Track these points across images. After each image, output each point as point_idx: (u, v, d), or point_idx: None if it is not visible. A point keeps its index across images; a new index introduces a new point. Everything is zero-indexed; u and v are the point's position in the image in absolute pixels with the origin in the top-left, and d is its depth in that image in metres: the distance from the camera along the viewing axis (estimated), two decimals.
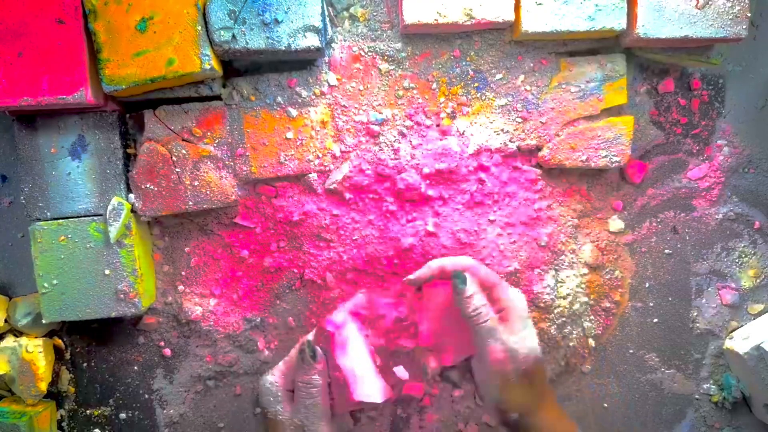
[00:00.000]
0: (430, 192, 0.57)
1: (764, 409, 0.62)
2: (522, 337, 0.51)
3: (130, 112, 0.57)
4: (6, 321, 0.60)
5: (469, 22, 0.54)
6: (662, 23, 0.54)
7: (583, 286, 0.61)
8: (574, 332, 0.62)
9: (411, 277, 0.54)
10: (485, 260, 0.58)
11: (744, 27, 0.55)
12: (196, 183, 0.56)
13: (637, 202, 0.63)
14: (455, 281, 0.51)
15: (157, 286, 0.61)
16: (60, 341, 0.61)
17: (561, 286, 0.60)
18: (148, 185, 0.56)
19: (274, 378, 0.55)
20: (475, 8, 0.54)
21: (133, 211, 0.56)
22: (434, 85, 0.58)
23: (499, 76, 0.58)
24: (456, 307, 0.52)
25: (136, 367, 0.62)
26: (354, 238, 0.58)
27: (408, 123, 0.57)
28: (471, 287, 0.51)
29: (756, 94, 0.62)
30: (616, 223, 0.62)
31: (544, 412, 0.52)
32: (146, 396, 0.63)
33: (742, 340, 0.62)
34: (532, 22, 0.54)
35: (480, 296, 0.51)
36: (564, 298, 0.60)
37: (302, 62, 0.57)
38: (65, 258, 0.56)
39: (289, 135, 0.56)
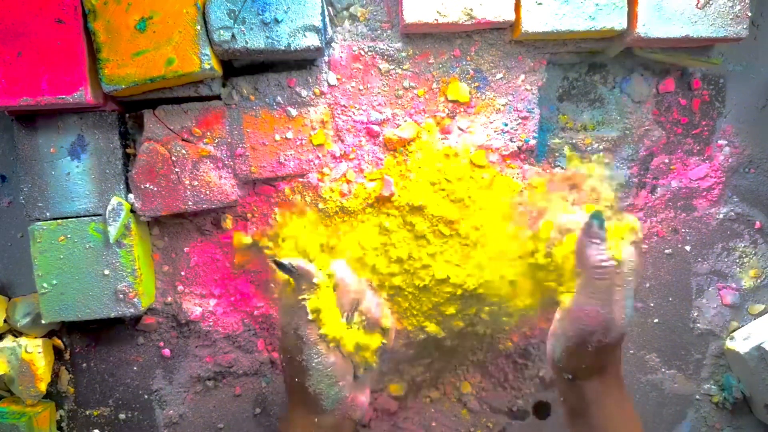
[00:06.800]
0: None
1: (765, 409, 0.62)
2: (619, 306, 0.47)
3: (129, 112, 0.57)
4: (5, 321, 0.60)
5: (469, 22, 0.54)
6: (663, 23, 0.54)
7: None
8: None
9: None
10: None
11: (744, 27, 0.55)
12: (196, 183, 0.56)
13: (638, 202, 0.63)
14: (594, 221, 0.47)
15: (157, 286, 0.61)
16: (59, 341, 0.61)
17: None
18: (147, 185, 0.55)
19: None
20: (475, 8, 0.54)
21: (132, 211, 0.56)
22: (434, 85, 0.58)
23: (499, 76, 0.58)
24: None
25: (135, 368, 0.62)
26: None
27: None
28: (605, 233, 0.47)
29: (756, 94, 0.62)
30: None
31: (599, 384, 0.49)
32: (146, 396, 0.63)
33: (742, 341, 0.62)
34: (533, 22, 0.54)
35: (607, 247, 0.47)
36: None
37: (302, 62, 0.57)
38: (65, 258, 0.56)
39: (289, 135, 0.56)
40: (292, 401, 0.50)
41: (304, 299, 0.47)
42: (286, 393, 0.50)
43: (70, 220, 0.56)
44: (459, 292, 0.57)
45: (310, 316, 0.47)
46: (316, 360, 0.46)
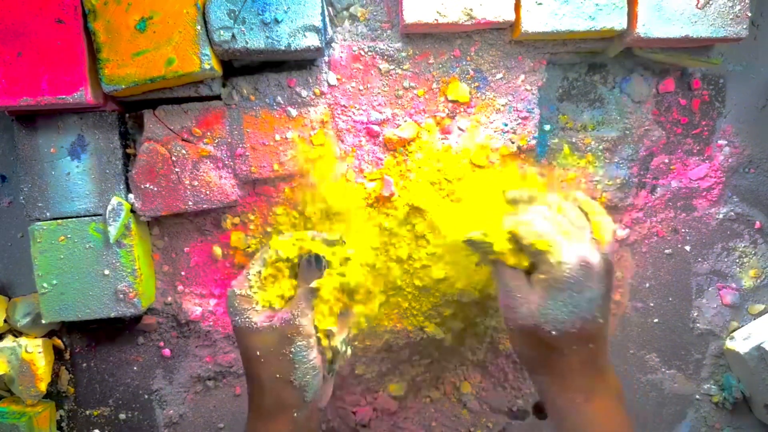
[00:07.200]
0: None
1: (764, 409, 0.62)
2: (533, 302, 0.45)
3: (129, 112, 0.57)
4: (6, 321, 0.60)
5: (469, 22, 0.54)
6: (663, 23, 0.54)
7: None
8: None
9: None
10: None
11: (744, 27, 0.55)
12: (196, 183, 0.56)
13: (638, 202, 0.63)
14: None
15: (157, 286, 0.61)
16: (59, 341, 0.61)
17: None
18: (147, 185, 0.55)
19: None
20: (475, 8, 0.54)
21: (132, 211, 0.56)
22: (434, 85, 0.58)
23: (499, 76, 0.58)
24: None
25: (135, 368, 0.62)
26: None
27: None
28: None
29: (756, 94, 0.62)
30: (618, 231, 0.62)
31: (552, 382, 0.47)
32: (146, 396, 0.63)
33: (742, 341, 0.62)
34: (533, 22, 0.54)
35: None
36: None
37: (302, 62, 0.57)
38: (65, 258, 0.56)
39: (289, 135, 0.56)
40: (263, 405, 0.48)
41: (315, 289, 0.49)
42: (251, 398, 0.49)
43: (70, 220, 0.56)
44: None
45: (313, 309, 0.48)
46: (305, 352, 0.47)
